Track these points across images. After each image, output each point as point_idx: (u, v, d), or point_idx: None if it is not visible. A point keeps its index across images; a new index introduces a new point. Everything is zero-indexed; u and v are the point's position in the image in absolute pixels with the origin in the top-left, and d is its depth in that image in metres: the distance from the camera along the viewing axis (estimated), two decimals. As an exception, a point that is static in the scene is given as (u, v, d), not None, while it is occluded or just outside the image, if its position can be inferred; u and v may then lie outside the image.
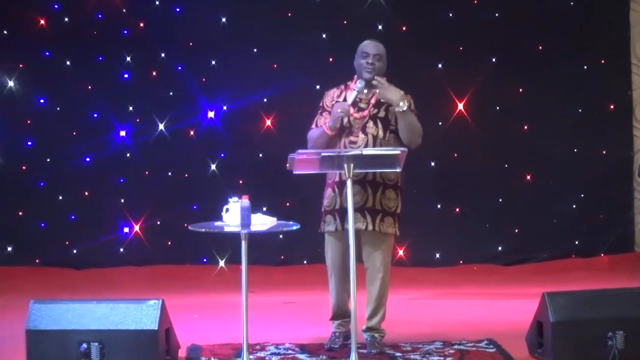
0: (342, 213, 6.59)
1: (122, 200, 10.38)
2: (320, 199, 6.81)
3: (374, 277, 6.69)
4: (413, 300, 8.99)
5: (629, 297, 6.35)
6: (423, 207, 10.50)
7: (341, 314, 6.83)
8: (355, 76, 6.73)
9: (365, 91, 6.64)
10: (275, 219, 6.42)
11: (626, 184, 10.78)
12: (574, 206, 10.73)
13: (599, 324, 6.11)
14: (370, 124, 6.62)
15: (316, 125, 6.74)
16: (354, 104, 6.61)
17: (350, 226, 6.14)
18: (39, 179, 10.33)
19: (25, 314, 6.18)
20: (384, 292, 6.72)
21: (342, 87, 6.80)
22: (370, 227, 6.59)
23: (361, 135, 6.60)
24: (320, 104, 6.81)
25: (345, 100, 6.65)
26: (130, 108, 10.37)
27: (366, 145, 6.55)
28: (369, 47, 6.66)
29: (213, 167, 10.40)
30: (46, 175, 10.33)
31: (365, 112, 6.64)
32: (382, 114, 6.65)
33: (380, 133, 6.62)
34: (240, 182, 10.23)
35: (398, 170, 6.36)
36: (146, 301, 6.19)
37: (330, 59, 10.24)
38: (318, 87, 9.13)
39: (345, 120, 6.59)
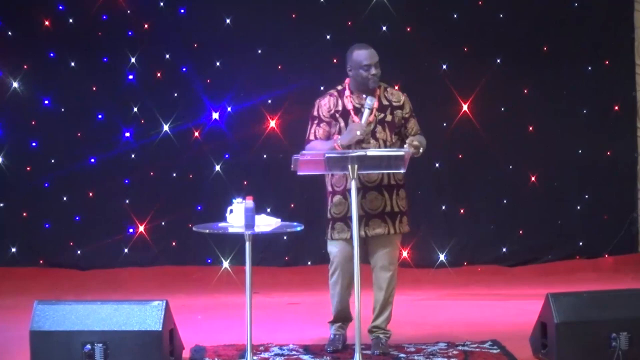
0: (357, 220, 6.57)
1: (127, 201, 10.38)
2: (324, 200, 6.80)
3: (384, 275, 6.69)
4: (417, 302, 8.99)
5: (633, 298, 6.35)
6: (428, 208, 10.51)
7: (343, 317, 6.83)
8: (346, 81, 6.68)
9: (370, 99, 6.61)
10: (279, 220, 6.43)
11: (631, 184, 10.78)
12: (579, 207, 10.73)
13: (602, 325, 6.11)
14: (379, 128, 6.62)
15: (315, 137, 6.70)
16: (357, 112, 6.60)
17: (354, 228, 6.14)
18: (43, 179, 10.34)
19: (29, 314, 6.20)
20: (392, 290, 6.74)
21: (335, 94, 6.72)
22: (392, 231, 6.62)
23: (372, 141, 6.58)
24: (315, 114, 6.72)
25: (343, 109, 6.62)
26: (135, 109, 10.37)
27: None
28: (367, 57, 6.58)
29: (217, 168, 10.40)
30: (51, 176, 10.34)
31: (372, 118, 6.62)
32: (388, 117, 6.65)
33: (389, 137, 6.63)
34: (245, 183, 10.23)
35: (402, 171, 6.38)
36: (150, 302, 6.21)
37: (335, 60, 10.22)
38: (322, 88, 9.12)
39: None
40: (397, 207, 6.66)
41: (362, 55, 6.61)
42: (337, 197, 6.68)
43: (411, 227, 6.81)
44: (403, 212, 6.70)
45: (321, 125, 6.70)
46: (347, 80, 6.72)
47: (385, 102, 6.67)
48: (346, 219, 6.62)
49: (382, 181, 6.59)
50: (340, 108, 6.67)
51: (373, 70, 6.57)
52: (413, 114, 6.75)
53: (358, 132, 6.47)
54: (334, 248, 6.72)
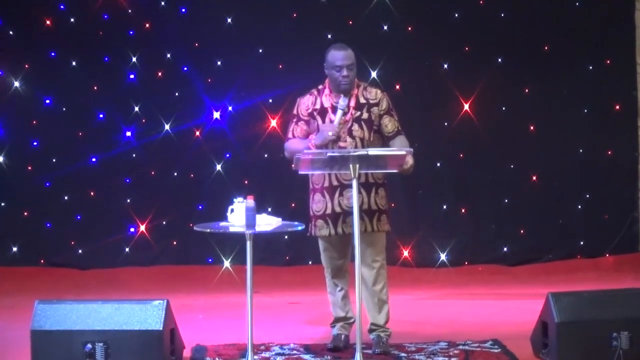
0: (335, 217, 6.64)
1: (128, 201, 10.38)
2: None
3: (368, 273, 6.68)
4: (418, 301, 8.99)
5: (633, 297, 6.36)
6: (428, 208, 10.52)
7: (342, 317, 6.83)
8: (327, 80, 6.70)
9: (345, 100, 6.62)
10: (280, 219, 6.43)
11: (631, 184, 10.77)
12: (580, 206, 10.72)
13: (603, 325, 6.11)
14: (356, 126, 6.63)
15: (293, 135, 6.76)
16: (334, 110, 6.61)
17: (356, 227, 6.13)
18: (44, 179, 10.34)
19: (30, 314, 6.20)
20: (382, 287, 6.73)
21: (315, 92, 6.77)
22: (369, 229, 6.63)
23: (349, 139, 6.60)
24: (295, 112, 6.80)
25: (321, 107, 6.66)
26: (136, 108, 10.37)
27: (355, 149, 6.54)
28: (339, 58, 6.58)
29: (218, 167, 10.40)
30: (52, 175, 10.33)
31: (348, 116, 6.63)
32: (365, 115, 6.66)
33: (366, 134, 6.64)
34: (246, 182, 10.23)
35: (396, 170, 6.39)
36: (151, 301, 6.21)
37: (336, 60, 10.22)
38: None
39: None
40: (376, 205, 6.66)
41: (335, 56, 6.62)
42: (317, 195, 6.74)
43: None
44: (382, 210, 6.69)
45: (299, 124, 6.76)
46: (327, 79, 6.74)
47: (362, 101, 6.68)
48: (325, 217, 6.68)
49: (359, 179, 6.55)
50: (318, 106, 6.71)
51: (345, 72, 6.58)
52: (392, 112, 6.72)
53: (330, 133, 6.52)
54: (320, 245, 6.82)
